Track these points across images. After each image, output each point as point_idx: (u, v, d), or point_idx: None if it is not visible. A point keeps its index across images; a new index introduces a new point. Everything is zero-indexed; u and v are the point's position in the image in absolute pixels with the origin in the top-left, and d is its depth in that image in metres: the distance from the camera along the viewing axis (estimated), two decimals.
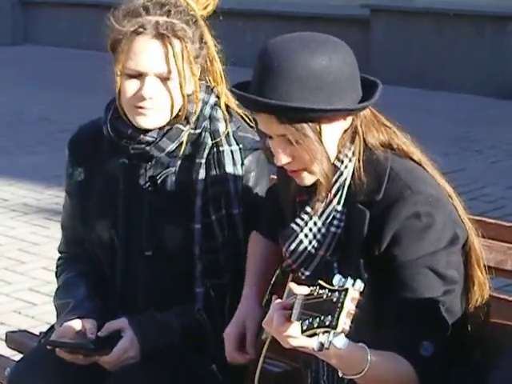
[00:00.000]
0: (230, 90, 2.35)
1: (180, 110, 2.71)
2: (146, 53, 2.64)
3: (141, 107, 2.66)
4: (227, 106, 2.76)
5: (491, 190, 6.06)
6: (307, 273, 2.39)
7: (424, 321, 2.26)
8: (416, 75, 8.27)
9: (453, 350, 2.31)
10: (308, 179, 2.35)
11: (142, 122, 2.67)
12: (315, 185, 2.35)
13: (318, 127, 2.29)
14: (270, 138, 2.32)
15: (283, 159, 2.33)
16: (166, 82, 2.66)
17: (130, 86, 2.64)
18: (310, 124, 2.29)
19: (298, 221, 2.36)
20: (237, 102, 2.75)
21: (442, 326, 2.27)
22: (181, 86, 2.66)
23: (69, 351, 2.66)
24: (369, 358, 2.14)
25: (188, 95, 2.71)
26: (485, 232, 2.51)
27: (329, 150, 2.31)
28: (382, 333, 2.27)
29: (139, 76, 2.64)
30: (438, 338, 2.26)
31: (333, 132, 2.32)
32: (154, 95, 2.65)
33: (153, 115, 2.69)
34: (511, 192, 6.02)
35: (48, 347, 2.67)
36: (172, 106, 2.69)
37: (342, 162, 2.34)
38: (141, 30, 2.62)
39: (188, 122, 2.69)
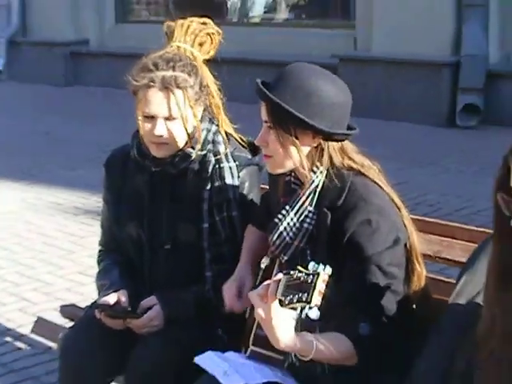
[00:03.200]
0: (257, 82, 2.33)
1: (187, 141, 2.69)
2: (155, 102, 2.64)
3: (154, 142, 2.66)
4: (226, 132, 2.72)
5: (431, 196, 6.07)
6: (286, 257, 2.40)
7: (364, 306, 2.26)
8: (373, 109, 8.21)
9: (405, 327, 2.30)
10: (271, 166, 2.37)
11: (156, 152, 2.74)
12: (295, 189, 2.36)
13: (292, 129, 2.26)
14: (265, 122, 2.35)
15: (261, 140, 2.34)
16: (172, 122, 2.67)
17: (147, 126, 2.69)
18: (286, 123, 2.27)
19: (279, 215, 2.38)
20: (234, 126, 2.81)
21: (380, 311, 2.26)
22: (185, 125, 2.63)
23: (110, 316, 2.67)
24: (314, 345, 2.14)
25: (194, 128, 2.71)
26: (426, 229, 2.59)
27: (294, 151, 2.29)
28: (336, 313, 2.25)
29: (152, 118, 2.62)
30: (375, 321, 2.24)
31: (302, 141, 2.29)
32: (163, 133, 2.67)
33: (163, 147, 2.72)
34: (445, 198, 6.00)
35: (96, 310, 2.71)
36: (177, 141, 2.69)
37: (315, 173, 2.30)
38: (151, 83, 2.61)
39: (195, 147, 2.65)
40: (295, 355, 2.30)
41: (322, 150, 2.29)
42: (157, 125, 2.63)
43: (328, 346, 2.18)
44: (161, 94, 2.60)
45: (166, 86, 2.59)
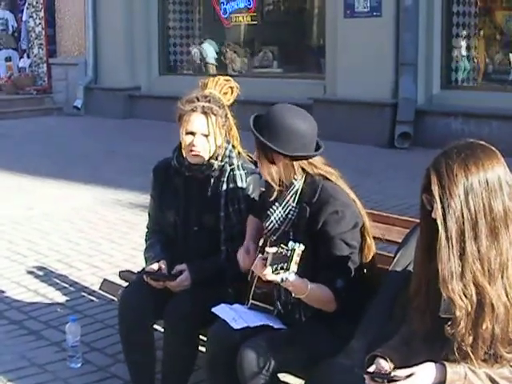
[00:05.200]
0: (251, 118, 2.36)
1: (213, 153, 2.68)
2: (196, 122, 2.65)
3: (192, 151, 2.63)
4: (238, 151, 2.74)
5: (376, 196, 6.00)
6: (274, 238, 2.41)
7: (338, 268, 2.30)
8: (337, 135, 8.14)
9: (360, 287, 2.32)
10: (262, 175, 2.42)
11: (193, 160, 2.69)
12: (281, 191, 2.36)
13: (268, 153, 2.30)
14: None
15: (254, 157, 2.41)
16: (206, 138, 2.66)
17: (188, 140, 2.63)
18: (264, 150, 2.30)
19: (271, 209, 2.39)
20: (245, 150, 2.82)
21: (348, 271, 2.30)
22: (215, 141, 2.62)
23: (154, 279, 2.68)
24: (309, 286, 2.20)
25: (218, 146, 2.70)
26: (373, 219, 2.55)
27: (271, 167, 2.32)
28: (318, 273, 2.27)
29: (192, 134, 2.61)
30: (346, 277, 2.30)
31: (277, 161, 2.32)
32: (200, 145, 2.65)
33: (198, 156, 2.69)
34: (386, 197, 5.94)
35: (144, 275, 2.73)
36: (209, 152, 2.67)
37: (296, 180, 2.32)
38: (194, 109, 2.64)
39: (217, 159, 2.63)
40: (281, 304, 2.33)
41: (293, 165, 2.31)
42: (195, 138, 2.65)
43: (317, 290, 2.21)
44: (201, 116, 2.62)
45: (205, 112, 2.62)
